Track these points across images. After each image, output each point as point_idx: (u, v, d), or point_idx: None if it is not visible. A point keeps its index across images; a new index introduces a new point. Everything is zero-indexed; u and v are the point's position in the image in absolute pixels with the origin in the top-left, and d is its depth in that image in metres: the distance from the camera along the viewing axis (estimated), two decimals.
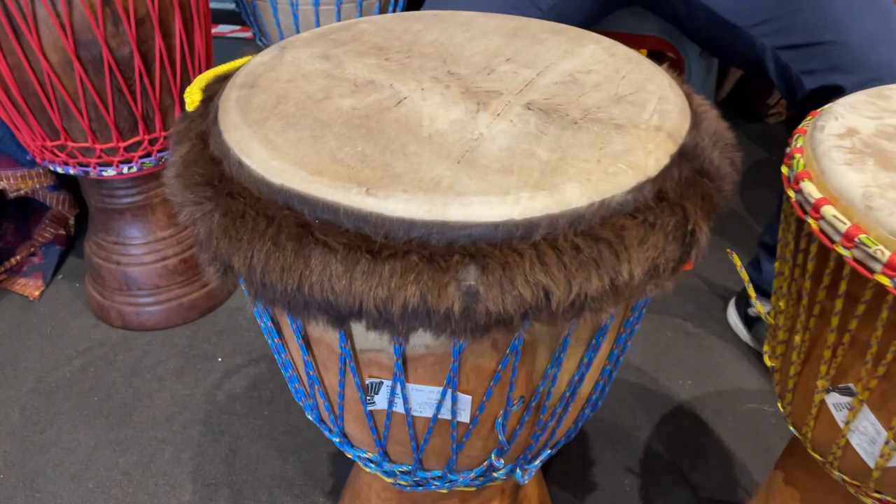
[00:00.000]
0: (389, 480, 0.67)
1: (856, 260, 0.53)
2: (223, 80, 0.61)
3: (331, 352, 0.55)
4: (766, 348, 0.72)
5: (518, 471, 0.64)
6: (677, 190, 0.50)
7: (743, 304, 1.19)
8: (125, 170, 1.09)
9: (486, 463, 0.62)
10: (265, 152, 0.50)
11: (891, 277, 0.51)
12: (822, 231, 0.55)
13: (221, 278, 0.50)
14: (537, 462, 0.67)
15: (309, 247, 0.45)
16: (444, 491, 0.67)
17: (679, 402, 1.15)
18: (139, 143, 1.06)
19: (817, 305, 0.60)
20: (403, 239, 0.45)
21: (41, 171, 1.28)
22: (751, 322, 1.18)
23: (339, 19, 1.26)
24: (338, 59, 0.62)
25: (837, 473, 0.67)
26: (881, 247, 0.51)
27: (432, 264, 0.44)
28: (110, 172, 1.08)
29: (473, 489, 0.68)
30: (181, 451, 1.06)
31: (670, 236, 0.49)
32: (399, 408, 0.56)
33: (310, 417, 0.66)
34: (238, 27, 2.04)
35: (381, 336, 0.50)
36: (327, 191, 0.47)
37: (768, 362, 0.72)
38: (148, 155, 1.09)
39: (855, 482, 0.66)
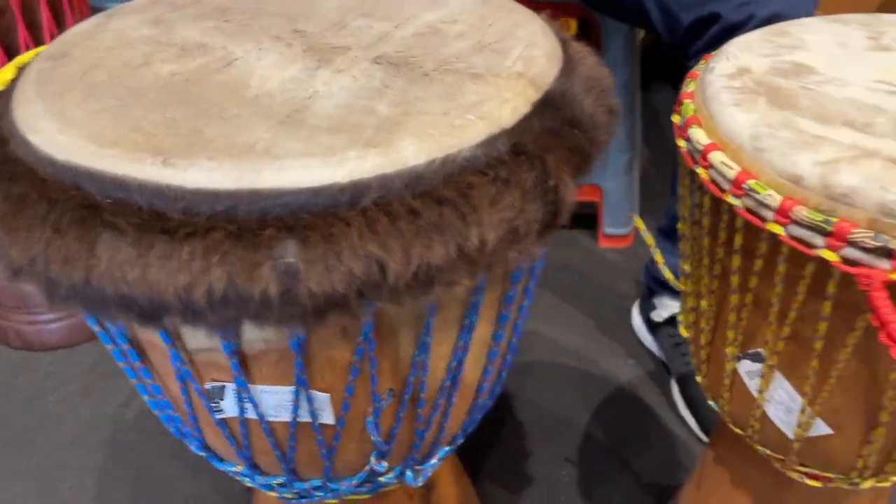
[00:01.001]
0: (272, 494, 0.60)
1: (747, 209, 0.47)
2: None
3: (164, 355, 0.48)
4: (679, 317, 0.67)
5: (408, 473, 0.58)
6: (538, 142, 0.44)
7: (647, 306, 1.11)
8: None
9: (367, 467, 0.55)
10: (54, 127, 0.42)
11: (784, 225, 0.45)
12: (712, 181, 0.49)
13: (12, 279, 0.42)
14: (433, 461, 0.60)
15: (95, 231, 0.38)
16: (334, 502, 0.60)
17: (620, 386, 1.09)
18: None
19: (717, 265, 0.54)
20: (207, 214, 0.38)
21: None
22: (655, 326, 1.10)
23: None
24: (170, 23, 0.55)
25: (760, 448, 0.61)
26: (771, 191, 0.45)
27: (241, 241, 0.37)
28: None
29: (368, 497, 0.61)
30: (85, 477, 0.98)
31: (529, 194, 0.42)
32: (251, 413, 0.49)
33: (173, 433, 0.59)
34: None
35: (208, 332, 0.43)
36: (118, 164, 0.39)
37: (683, 332, 0.66)
38: None
39: (778, 456, 0.60)
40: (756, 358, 0.55)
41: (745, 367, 0.57)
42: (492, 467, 0.98)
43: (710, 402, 0.65)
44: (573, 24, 1.61)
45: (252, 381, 0.47)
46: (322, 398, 0.48)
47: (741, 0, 0.82)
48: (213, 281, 0.37)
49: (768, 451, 0.61)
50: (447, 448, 0.62)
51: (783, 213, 0.45)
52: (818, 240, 0.44)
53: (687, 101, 0.55)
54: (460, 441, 0.63)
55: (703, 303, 0.58)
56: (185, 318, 0.39)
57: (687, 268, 0.60)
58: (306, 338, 0.44)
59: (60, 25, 0.96)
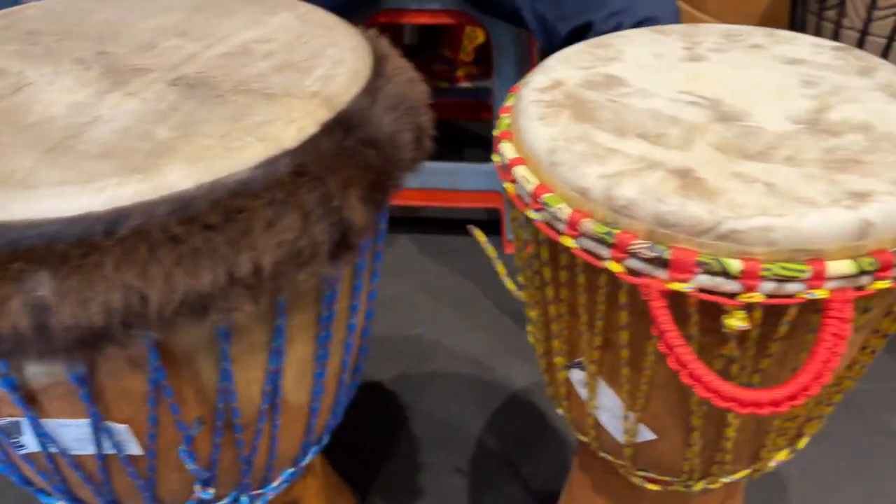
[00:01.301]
0: None
1: (545, 222, 0.47)
2: None
3: None
4: (528, 328, 0.67)
5: (243, 499, 0.57)
6: (323, 162, 0.43)
7: None
8: None
9: (196, 498, 0.54)
10: None
11: (574, 238, 0.45)
12: (517, 196, 0.50)
13: None
14: (275, 484, 0.59)
15: None
16: None
17: (515, 393, 1.10)
18: None
19: (537, 276, 0.55)
20: None
21: None
22: None
23: None
24: None
25: (602, 454, 0.62)
26: (563, 205, 0.46)
27: None
28: None
29: None
30: None
31: (313, 216, 0.42)
32: (55, 448, 0.48)
33: None
34: None
35: None
36: None
37: (531, 342, 0.66)
38: None
39: (619, 462, 0.61)
40: (580, 366, 0.56)
41: (575, 376, 0.58)
42: (383, 481, 0.97)
43: (559, 411, 0.65)
44: (480, 34, 1.62)
45: (45, 415, 0.46)
46: (121, 430, 0.47)
47: (612, 9, 0.84)
48: None
49: (609, 457, 0.62)
50: (291, 470, 0.61)
51: (573, 226, 0.45)
52: (604, 251, 0.44)
53: (503, 115, 0.55)
54: (305, 461, 0.62)
55: (534, 313, 0.59)
56: None
57: (521, 279, 0.60)
58: (89, 370, 0.43)
59: None
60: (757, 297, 0.42)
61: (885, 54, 0.96)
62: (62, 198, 0.38)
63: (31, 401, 0.45)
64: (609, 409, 0.57)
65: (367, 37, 0.57)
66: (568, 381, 0.59)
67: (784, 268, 0.41)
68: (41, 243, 0.37)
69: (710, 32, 0.62)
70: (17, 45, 0.54)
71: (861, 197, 0.42)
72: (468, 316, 1.22)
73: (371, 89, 0.50)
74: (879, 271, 0.42)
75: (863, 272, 0.41)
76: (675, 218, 0.42)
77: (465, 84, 1.61)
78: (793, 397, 0.41)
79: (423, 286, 1.28)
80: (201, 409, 0.49)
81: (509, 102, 0.56)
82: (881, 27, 0.95)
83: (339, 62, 0.51)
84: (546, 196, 0.46)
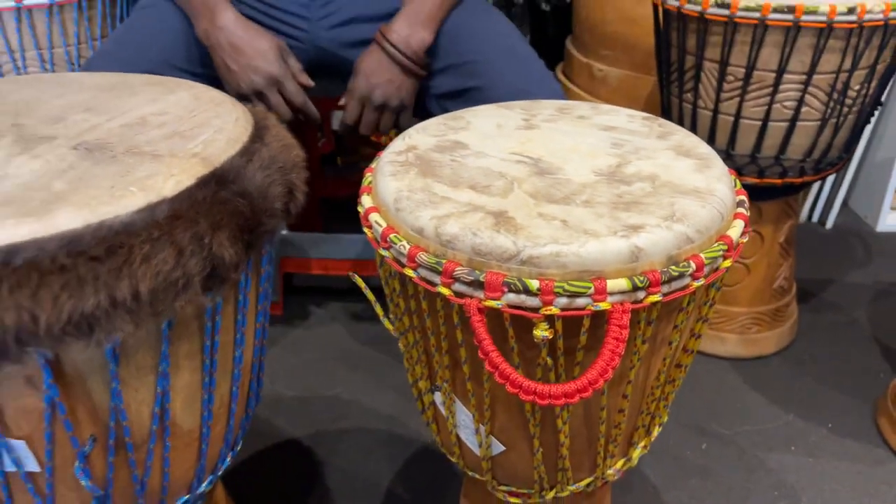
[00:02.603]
0: None
1: (393, 258, 0.56)
2: None
3: None
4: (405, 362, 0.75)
5: None
6: (197, 208, 0.52)
7: None
8: None
9: None
10: None
11: (413, 269, 0.55)
12: (374, 238, 0.59)
13: None
14: None
15: None
16: None
17: (424, 445, 1.16)
18: None
19: (397, 308, 0.64)
20: None
21: None
22: None
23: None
24: None
25: (469, 472, 0.69)
26: (404, 242, 0.55)
27: None
28: None
29: None
30: None
31: (187, 251, 0.50)
32: None
33: None
34: None
35: None
36: None
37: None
38: None
39: (483, 478, 0.68)
40: (439, 389, 0.64)
41: (437, 398, 0.66)
42: None
43: (434, 438, 0.73)
44: None
45: None
46: (19, 445, 0.53)
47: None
48: None
49: (476, 476, 0.69)
50: (185, 497, 0.67)
51: (412, 259, 0.54)
52: (436, 278, 0.54)
53: (367, 173, 0.65)
54: (201, 489, 0.68)
55: (402, 344, 0.67)
56: None
57: (391, 315, 0.69)
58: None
59: None
60: (554, 310, 0.51)
61: (734, 128, 1.11)
62: None
63: None
64: (466, 426, 0.65)
65: (252, 111, 0.67)
66: (433, 404, 0.67)
67: (572, 285, 0.50)
68: None
69: (546, 106, 0.73)
70: None
71: (635, 229, 0.52)
72: (380, 377, 1.29)
73: (246, 151, 0.59)
74: (650, 287, 0.52)
75: (637, 288, 0.51)
76: (486, 248, 0.52)
77: None
78: (583, 390, 0.50)
79: (339, 351, 1.35)
80: (94, 428, 0.55)
81: (373, 164, 0.66)
82: (728, 107, 1.10)
83: (221, 130, 0.61)
84: (392, 236, 0.56)
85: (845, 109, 1.08)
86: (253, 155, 0.59)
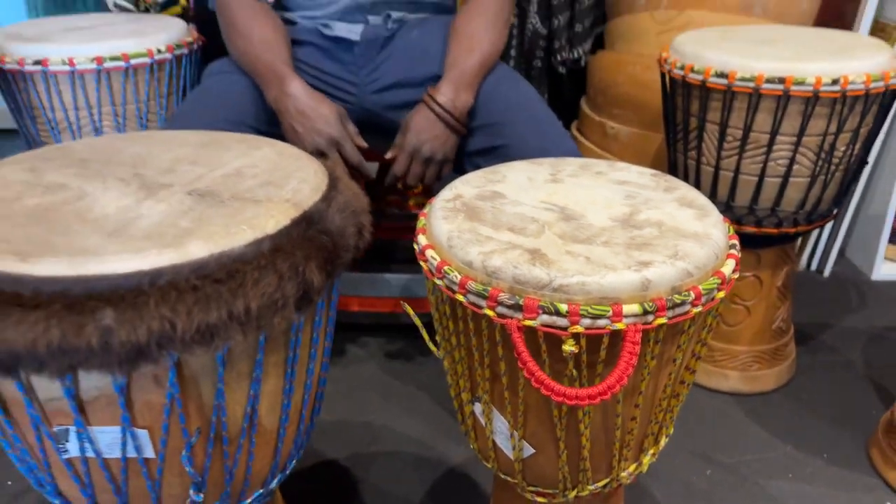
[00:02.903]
0: None
1: (446, 286, 0.69)
2: None
3: (22, 411, 0.64)
4: (448, 378, 0.87)
5: None
6: (293, 243, 0.65)
7: None
8: None
9: (189, 501, 0.71)
10: None
11: (463, 294, 0.67)
12: (429, 270, 0.72)
13: None
14: (247, 501, 0.77)
15: None
16: None
17: (451, 468, 1.27)
18: None
19: (445, 330, 0.76)
20: (49, 292, 0.57)
21: None
22: None
23: None
24: (41, 170, 0.75)
25: (502, 475, 0.81)
26: (456, 273, 0.68)
27: (72, 310, 0.56)
28: None
29: None
30: None
31: (286, 277, 0.63)
32: (90, 452, 0.66)
33: (33, 485, 0.74)
34: None
35: (54, 382, 0.61)
36: None
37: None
38: None
39: (514, 480, 0.79)
40: (479, 399, 0.76)
41: (476, 409, 0.78)
42: None
43: (472, 446, 0.84)
44: None
45: (89, 423, 0.64)
46: (142, 434, 0.65)
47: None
48: (52, 337, 0.56)
49: (509, 478, 0.80)
50: (260, 491, 0.78)
51: (462, 287, 0.67)
52: (483, 303, 0.66)
53: (421, 217, 0.78)
54: (272, 485, 0.79)
55: (446, 362, 0.79)
56: (32, 366, 0.57)
57: (438, 338, 0.81)
58: (127, 383, 0.62)
59: None
60: (579, 328, 0.63)
61: (734, 182, 1.24)
62: (122, 262, 0.59)
63: (81, 410, 0.63)
64: (501, 432, 0.76)
65: (325, 164, 0.81)
66: (473, 414, 0.79)
67: (595, 308, 0.63)
68: (107, 290, 0.58)
69: (570, 163, 0.87)
70: (74, 169, 0.76)
71: (645, 264, 0.65)
72: (410, 406, 1.40)
73: (326, 198, 0.73)
74: (658, 311, 0.64)
75: (647, 312, 0.64)
76: (525, 278, 0.64)
77: (414, 210, 1.87)
78: (602, 393, 0.62)
79: (372, 382, 1.47)
80: (200, 422, 0.67)
81: (425, 209, 0.79)
82: (728, 163, 1.23)
83: (305, 180, 0.74)
84: (445, 268, 0.69)
85: (832, 167, 1.21)
86: (331, 201, 0.73)
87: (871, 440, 1.27)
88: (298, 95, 1.10)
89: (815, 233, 1.85)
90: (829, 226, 1.84)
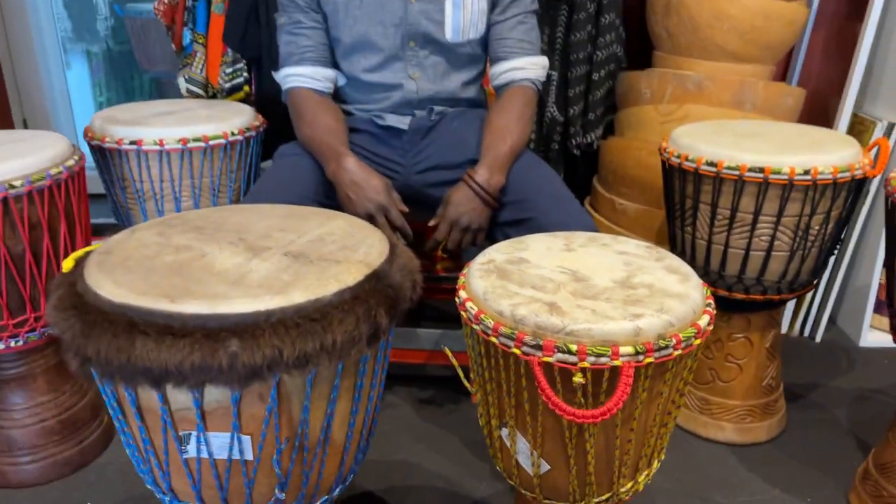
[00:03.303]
0: None
1: (482, 331, 0.89)
2: (88, 254, 0.94)
3: (156, 418, 0.84)
4: (478, 410, 1.05)
5: None
6: (368, 293, 0.85)
7: None
8: (13, 343, 1.35)
9: (273, 498, 0.90)
10: (111, 286, 0.82)
11: (496, 337, 0.87)
12: (468, 319, 0.92)
13: (80, 368, 0.80)
14: None
15: (134, 334, 0.77)
16: None
17: (475, 500, 1.43)
18: (26, 321, 1.34)
19: (479, 367, 0.95)
20: (192, 326, 0.77)
21: None
22: None
23: None
24: (168, 234, 0.97)
25: (524, 491, 0.98)
26: (490, 320, 0.87)
27: (209, 339, 0.77)
28: (0, 346, 1.34)
29: None
30: None
31: (362, 319, 0.83)
32: (204, 453, 0.85)
33: (147, 484, 0.92)
34: None
35: (186, 394, 0.80)
36: (147, 301, 0.79)
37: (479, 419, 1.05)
38: (33, 330, 1.36)
39: (532, 494, 0.97)
40: (506, 424, 0.95)
41: (503, 433, 0.96)
42: None
43: (498, 467, 1.02)
44: None
45: (207, 429, 0.84)
46: (246, 440, 0.84)
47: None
48: (194, 359, 0.76)
49: (528, 493, 0.98)
50: (326, 497, 0.96)
51: (495, 331, 0.87)
52: (511, 343, 0.85)
53: (461, 276, 0.98)
54: (336, 493, 0.97)
55: (479, 396, 0.98)
56: (177, 380, 0.77)
57: (472, 376, 1.00)
58: (239, 397, 0.82)
59: (72, 236, 1.37)
60: (586, 364, 0.82)
61: (724, 255, 1.43)
62: (243, 304, 0.79)
63: (203, 418, 0.83)
64: (523, 452, 0.94)
65: (386, 233, 1.02)
66: (500, 438, 0.97)
67: (598, 349, 0.82)
68: (234, 325, 0.78)
69: (581, 236, 1.07)
70: (193, 234, 0.97)
71: (638, 316, 0.84)
72: (438, 447, 1.58)
73: (390, 260, 0.93)
74: (647, 352, 0.83)
75: (638, 353, 0.83)
76: (544, 324, 0.84)
77: (442, 274, 2.07)
78: (603, 414, 0.81)
79: (405, 425, 1.65)
80: (288, 433, 0.86)
81: (464, 271, 1.00)
82: (719, 238, 1.43)
83: (372, 245, 0.95)
84: (482, 316, 0.88)
85: (809, 244, 1.40)
86: (393, 262, 0.93)
87: (851, 487, 1.43)
88: (352, 169, 1.32)
89: (807, 302, 2.03)
90: (819, 295, 2.02)
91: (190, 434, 0.85)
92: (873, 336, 2.00)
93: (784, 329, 2.07)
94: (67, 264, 0.93)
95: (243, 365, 0.77)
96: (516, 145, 1.39)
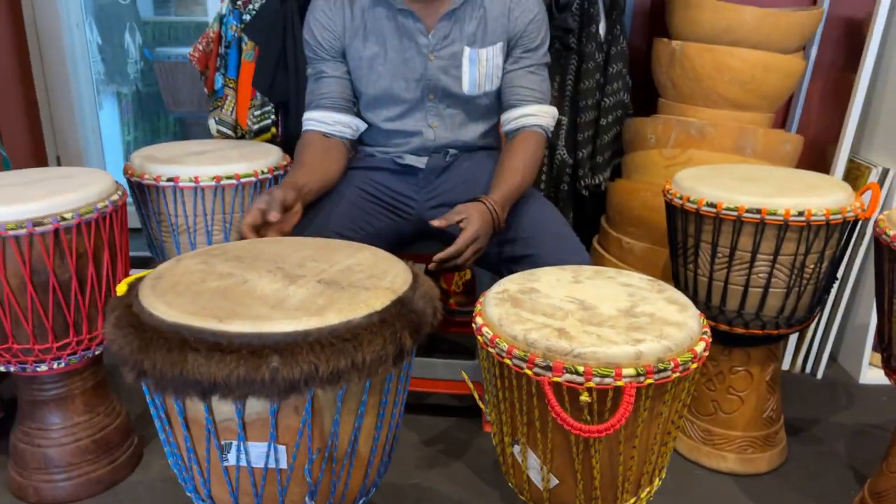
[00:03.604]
0: None
1: (497, 354, 0.97)
2: (139, 279, 1.03)
3: (201, 428, 0.93)
4: (493, 429, 1.13)
5: None
6: (394, 317, 0.94)
7: None
8: (55, 365, 1.44)
9: None
10: (164, 307, 0.92)
11: (510, 359, 0.95)
12: (484, 342, 1.00)
13: (135, 381, 0.89)
14: None
15: (186, 350, 0.86)
16: None
17: None
18: (68, 344, 1.44)
19: (493, 387, 1.03)
20: (238, 343, 0.86)
21: None
22: None
23: None
24: (211, 262, 1.06)
25: None
26: (505, 344, 0.96)
27: (253, 355, 0.85)
28: (43, 368, 1.44)
29: None
30: None
31: (388, 340, 0.92)
32: (244, 461, 0.93)
33: (188, 492, 1.01)
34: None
35: (230, 406, 0.89)
36: (198, 321, 0.88)
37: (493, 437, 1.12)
38: (74, 353, 1.45)
39: None
40: (518, 442, 1.03)
41: (516, 450, 1.04)
42: None
43: (510, 483, 1.10)
44: (468, 273, 2.20)
45: (247, 439, 0.92)
46: (282, 449, 0.93)
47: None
48: (239, 373, 0.85)
49: None
50: None
51: (509, 353, 0.95)
52: (523, 365, 0.94)
53: (478, 304, 1.07)
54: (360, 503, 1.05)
55: (493, 416, 1.06)
56: (223, 392, 0.86)
57: (487, 396, 1.08)
58: (277, 409, 0.90)
59: (114, 264, 1.47)
60: (592, 384, 0.91)
61: (724, 291, 1.52)
62: (284, 325, 0.88)
63: (244, 428, 0.91)
64: (534, 468, 1.02)
65: (409, 264, 1.11)
66: (512, 455, 1.05)
67: (603, 370, 0.90)
68: (275, 343, 0.87)
69: (587, 270, 1.16)
70: (234, 262, 1.07)
71: (639, 341, 0.93)
72: (450, 473, 1.65)
73: (413, 287, 1.02)
74: (647, 374, 0.91)
75: (639, 374, 0.91)
76: (554, 348, 0.92)
77: (455, 308, 2.16)
78: (607, 429, 0.89)
79: (418, 452, 1.72)
80: (319, 444, 0.95)
81: (481, 298, 1.08)
82: (719, 276, 1.52)
83: (397, 274, 1.04)
84: (497, 340, 0.97)
85: (804, 282, 1.49)
86: (416, 289, 1.02)
87: None
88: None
89: (808, 339, 2.10)
90: (820, 333, 2.09)
91: (231, 443, 0.93)
92: (872, 373, 2.06)
93: (786, 366, 2.13)
94: (121, 288, 1.03)
95: (283, 379, 0.85)
96: (523, 186, 1.50)
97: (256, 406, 0.91)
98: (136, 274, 1.07)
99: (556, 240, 1.45)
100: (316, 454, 0.95)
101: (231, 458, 0.94)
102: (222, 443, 0.93)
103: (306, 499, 0.97)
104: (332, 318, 0.91)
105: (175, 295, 0.95)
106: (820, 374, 2.10)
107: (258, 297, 0.96)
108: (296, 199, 1.36)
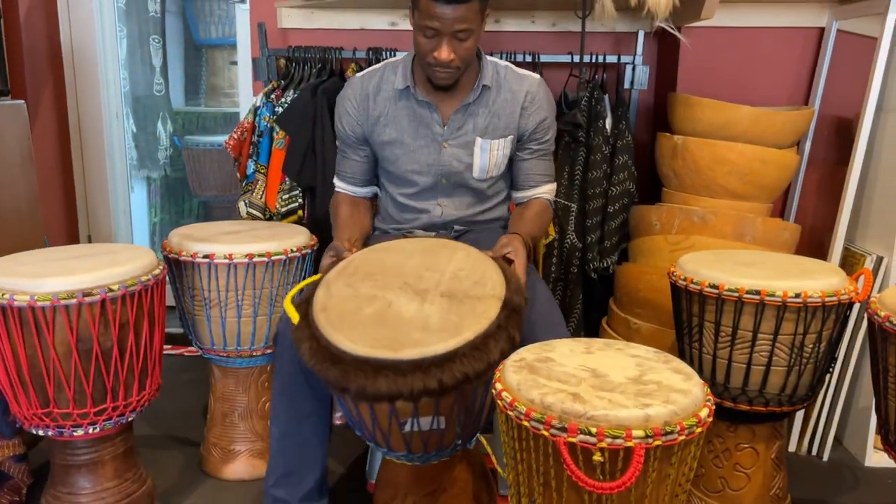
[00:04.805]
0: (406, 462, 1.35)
1: (516, 417, 1.06)
2: (301, 303, 1.28)
3: (385, 413, 1.24)
4: (510, 491, 1.19)
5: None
6: (504, 320, 1.15)
7: None
8: (90, 430, 1.52)
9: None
10: (349, 343, 1.14)
11: (528, 421, 1.04)
12: (504, 406, 1.09)
13: (337, 392, 1.13)
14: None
15: (378, 376, 1.09)
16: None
17: None
18: (104, 410, 1.52)
19: (511, 450, 1.11)
20: (411, 365, 1.07)
21: (15, 441, 1.67)
22: None
23: (254, 329, 1.82)
24: (354, 284, 1.30)
25: None
26: (523, 407, 1.05)
27: (423, 372, 1.10)
28: (79, 433, 1.51)
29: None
30: None
31: (505, 340, 1.11)
32: (415, 427, 1.25)
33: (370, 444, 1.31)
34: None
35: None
36: (379, 352, 1.12)
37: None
38: (109, 419, 1.53)
39: None
40: (534, 501, 1.09)
41: None
42: None
43: None
44: None
45: (418, 415, 1.10)
46: (443, 419, 1.18)
47: None
48: (414, 387, 1.06)
49: None
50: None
51: (527, 416, 1.03)
52: (541, 427, 1.02)
53: (497, 371, 1.16)
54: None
55: (510, 477, 1.13)
56: (405, 398, 1.09)
57: (505, 460, 1.16)
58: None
59: (152, 335, 1.56)
60: (604, 444, 0.98)
61: (728, 368, 1.60)
62: (439, 347, 1.13)
63: (416, 412, 1.20)
64: None
65: (497, 261, 1.29)
66: None
67: (614, 432, 0.98)
68: (434, 361, 1.11)
69: (598, 342, 1.25)
70: (370, 281, 1.28)
71: (647, 406, 1.01)
72: None
73: (507, 287, 1.20)
74: (655, 436, 0.99)
75: (648, 436, 0.99)
76: (569, 410, 1.01)
77: None
78: (619, 486, 0.96)
79: None
80: (464, 409, 1.09)
81: (500, 367, 1.17)
82: (723, 354, 1.60)
83: (493, 277, 1.24)
84: (516, 403, 1.05)
85: (804, 360, 1.57)
86: (510, 287, 1.24)
87: None
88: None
89: (813, 421, 2.15)
90: (825, 415, 2.14)
91: (407, 420, 1.26)
92: (878, 457, 2.10)
93: (792, 447, 2.18)
94: (294, 316, 1.28)
95: (445, 386, 1.09)
96: (535, 236, 1.70)
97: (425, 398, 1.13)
98: (291, 293, 1.35)
99: (540, 316, 1.53)
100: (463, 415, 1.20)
101: (406, 427, 1.27)
102: (401, 420, 1.26)
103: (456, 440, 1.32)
104: (468, 335, 1.15)
105: (349, 328, 1.19)
106: (826, 457, 2.14)
107: (407, 321, 1.20)
108: (349, 249, 1.57)
